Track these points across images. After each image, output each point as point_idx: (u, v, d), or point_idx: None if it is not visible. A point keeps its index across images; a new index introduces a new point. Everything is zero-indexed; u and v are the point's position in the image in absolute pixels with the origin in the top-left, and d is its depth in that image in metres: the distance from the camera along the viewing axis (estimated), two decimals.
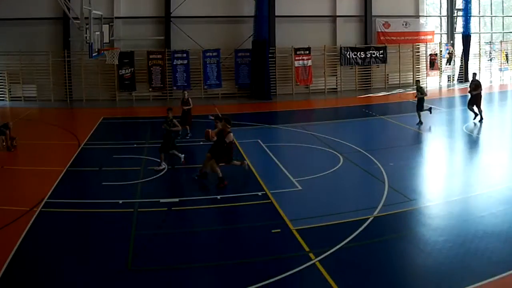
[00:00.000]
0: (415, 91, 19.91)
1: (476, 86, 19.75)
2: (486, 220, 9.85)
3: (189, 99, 17.90)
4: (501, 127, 20.03)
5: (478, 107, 19.72)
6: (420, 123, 19.19)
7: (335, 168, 13.69)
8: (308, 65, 28.57)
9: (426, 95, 19.88)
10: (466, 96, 28.54)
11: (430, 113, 19.67)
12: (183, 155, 14.24)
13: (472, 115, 19.89)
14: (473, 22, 32.82)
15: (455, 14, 32.57)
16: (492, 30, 35.06)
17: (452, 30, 32.84)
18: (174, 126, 14.35)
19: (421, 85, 20.42)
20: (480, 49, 33.40)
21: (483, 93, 20.20)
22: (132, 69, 26.79)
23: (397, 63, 30.80)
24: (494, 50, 33.65)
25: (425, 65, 31.60)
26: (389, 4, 30.44)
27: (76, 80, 26.74)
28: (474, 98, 19.66)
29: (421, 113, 19.37)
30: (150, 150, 15.64)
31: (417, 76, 31.14)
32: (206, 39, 27.46)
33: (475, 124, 19.39)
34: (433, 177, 13.39)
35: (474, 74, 21.08)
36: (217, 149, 12.49)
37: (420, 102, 19.43)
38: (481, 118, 19.60)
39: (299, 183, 12.34)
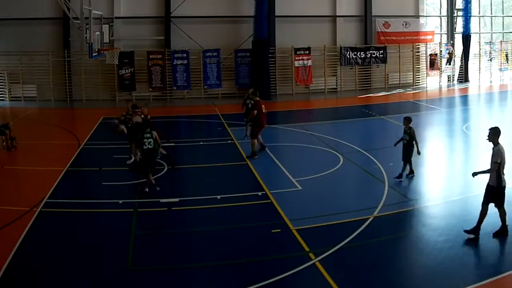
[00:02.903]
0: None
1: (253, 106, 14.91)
2: (486, 220, 9.84)
3: (148, 116, 14.56)
4: (500, 127, 19.99)
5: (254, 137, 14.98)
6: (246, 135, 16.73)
7: (335, 168, 13.69)
8: (308, 65, 28.57)
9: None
10: (466, 96, 28.86)
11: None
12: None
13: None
14: (473, 22, 32.79)
15: (455, 14, 32.54)
16: (492, 30, 35.05)
17: (452, 30, 32.82)
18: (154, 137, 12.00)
19: (250, 97, 16.43)
20: (480, 49, 33.38)
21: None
22: (132, 69, 26.79)
23: (397, 63, 30.79)
24: (494, 50, 33.64)
25: (425, 65, 31.60)
26: (389, 4, 30.42)
27: (76, 80, 26.74)
28: (257, 126, 14.99)
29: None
30: None
31: (417, 76, 31.20)
32: (206, 39, 27.46)
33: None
34: (433, 177, 13.38)
35: (254, 92, 15.91)
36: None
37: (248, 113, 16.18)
38: (253, 155, 14.69)
39: (299, 183, 12.34)
